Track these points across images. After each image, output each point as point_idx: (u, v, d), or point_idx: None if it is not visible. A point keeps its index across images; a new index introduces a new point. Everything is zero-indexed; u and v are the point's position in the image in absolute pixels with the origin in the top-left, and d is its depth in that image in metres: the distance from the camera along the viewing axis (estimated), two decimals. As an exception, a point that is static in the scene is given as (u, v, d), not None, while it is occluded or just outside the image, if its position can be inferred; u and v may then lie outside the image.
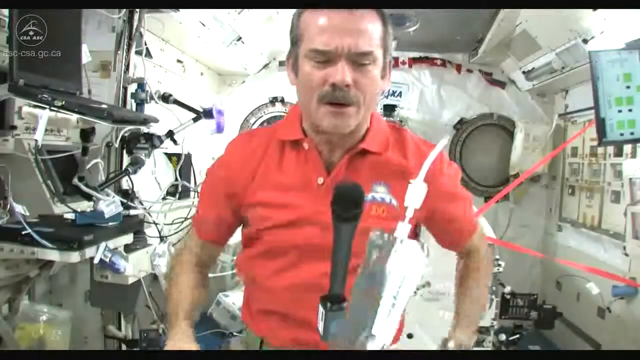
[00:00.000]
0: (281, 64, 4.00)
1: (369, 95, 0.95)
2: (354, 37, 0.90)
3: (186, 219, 2.36)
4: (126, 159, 2.05)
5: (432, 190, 0.85)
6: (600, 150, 3.15)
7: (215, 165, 1.13)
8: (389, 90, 3.83)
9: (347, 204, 0.80)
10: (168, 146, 2.12)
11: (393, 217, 0.91)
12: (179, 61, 3.08)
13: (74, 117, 1.51)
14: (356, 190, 0.81)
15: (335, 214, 0.80)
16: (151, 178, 2.28)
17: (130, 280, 1.79)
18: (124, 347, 2.11)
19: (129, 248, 1.83)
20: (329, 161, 1.03)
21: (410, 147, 1.05)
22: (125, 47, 2.12)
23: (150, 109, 2.17)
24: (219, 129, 2.33)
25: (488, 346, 2.82)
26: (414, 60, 3.94)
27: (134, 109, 2.17)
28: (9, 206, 1.59)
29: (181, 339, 0.98)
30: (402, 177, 0.97)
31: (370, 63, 0.93)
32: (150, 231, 2.04)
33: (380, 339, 0.66)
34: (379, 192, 1.00)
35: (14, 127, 1.68)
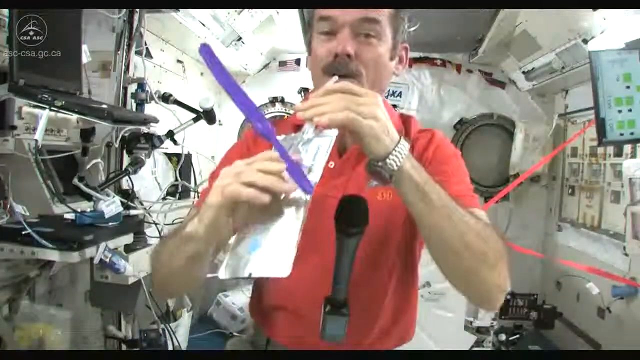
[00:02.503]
0: (281, 64, 4.00)
1: (374, 70, 0.95)
2: (357, 11, 0.92)
3: (186, 219, 2.36)
4: (126, 159, 2.05)
5: (423, 164, 0.90)
6: (600, 150, 3.15)
7: (237, 143, 1.15)
8: (388, 90, 3.83)
9: (352, 223, 0.79)
10: (168, 146, 2.12)
11: (398, 199, 0.90)
12: (179, 61, 3.08)
13: (74, 117, 1.51)
14: (361, 209, 0.79)
15: (339, 230, 0.80)
16: (151, 178, 2.28)
17: (130, 280, 1.79)
18: (124, 347, 2.11)
19: (129, 248, 1.83)
20: (341, 144, 1.03)
21: (413, 131, 1.06)
22: (125, 47, 2.12)
23: (150, 109, 2.17)
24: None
25: (488, 346, 2.82)
26: (414, 60, 3.93)
27: (134, 109, 2.17)
28: (9, 206, 1.59)
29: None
30: None
31: (376, 36, 0.94)
32: (150, 231, 2.04)
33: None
34: None
35: (14, 127, 1.67)
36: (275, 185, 0.65)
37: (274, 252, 0.63)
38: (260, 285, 1.13)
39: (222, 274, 0.64)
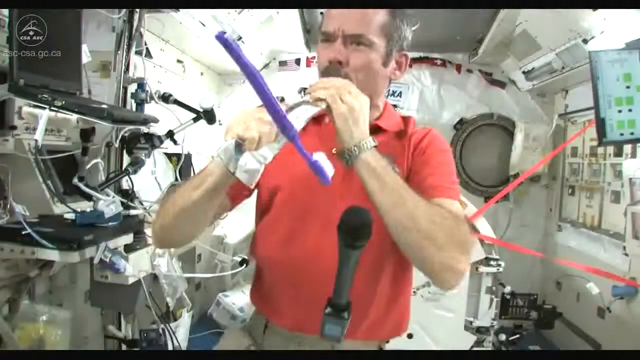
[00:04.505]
0: (281, 64, 4.00)
1: (363, 75, 1.04)
2: (350, 21, 1.03)
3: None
4: (126, 159, 2.05)
5: (416, 156, 1.08)
6: (600, 150, 3.15)
7: None
8: (388, 90, 3.83)
9: (358, 237, 0.80)
10: (168, 146, 2.11)
11: None
12: (179, 61, 3.08)
13: (74, 117, 1.51)
14: (367, 223, 0.80)
15: (343, 241, 0.81)
16: (151, 178, 2.28)
17: (130, 280, 1.79)
18: (124, 347, 2.11)
19: (129, 248, 1.83)
20: None
21: (410, 128, 1.15)
22: (125, 47, 2.12)
23: (150, 109, 2.17)
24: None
25: (488, 346, 2.82)
26: (414, 60, 3.93)
27: (134, 109, 2.16)
28: (9, 206, 1.59)
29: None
30: (403, 152, 1.10)
31: (367, 46, 1.04)
32: (150, 231, 2.04)
33: None
34: None
35: (14, 127, 1.67)
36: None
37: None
38: (260, 268, 1.16)
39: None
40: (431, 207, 0.92)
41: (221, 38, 0.66)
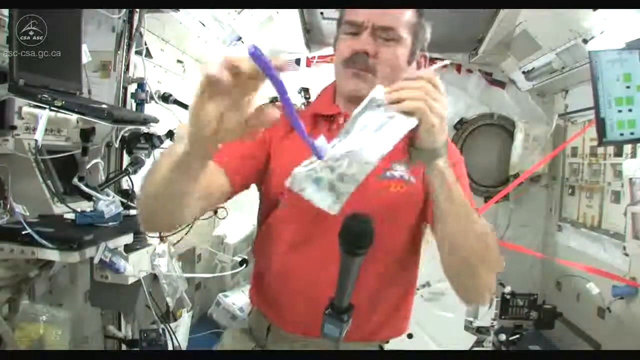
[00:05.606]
0: (281, 64, 4.00)
1: (389, 68, 1.01)
2: (379, 13, 1.01)
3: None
4: (126, 159, 2.05)
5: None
6: (600, 150, 3.15)
7: None
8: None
9: (357, 245, 0.79)
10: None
11: (409, 193, 1.02)
12: (179, 61, 3.08)
13: (74, 117, 1.51)
14: (368, 231, 0.78)
15: (344, 249, 0.80)
16: (151, 178, 2.28)
17: (130, 280, 1.79)
18: (124, 347, 2.11)
19: (129, 248, 1.83)
20: None
21: None
22: (125, 47, 2.12)
23: (150, 109, 2.17)
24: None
25: (488, 346, 2.82)
26: (413, 60, 3.93)
27: (134, 109, 2.17)
28: (9, 206, 1.59)
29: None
30: None
31: (395, 41, 1.02)
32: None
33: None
34: (398, 170, 1.03)
35: (14, 127, 1.67)
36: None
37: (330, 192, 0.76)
38: (262, 271, 1.15)
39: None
40: (485, 226, 0.92)
41: (256, 55, 0.60)
